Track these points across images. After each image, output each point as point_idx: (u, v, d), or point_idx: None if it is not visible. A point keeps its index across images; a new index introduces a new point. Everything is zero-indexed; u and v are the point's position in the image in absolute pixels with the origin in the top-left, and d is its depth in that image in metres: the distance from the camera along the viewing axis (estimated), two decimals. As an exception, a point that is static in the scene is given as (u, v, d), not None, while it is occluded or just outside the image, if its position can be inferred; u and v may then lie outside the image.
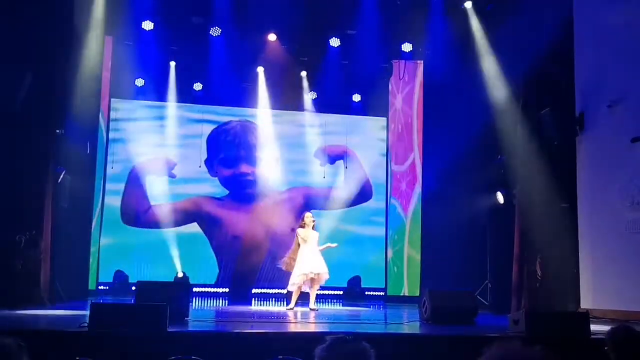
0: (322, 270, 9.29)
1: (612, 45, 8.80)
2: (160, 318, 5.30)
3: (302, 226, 9.47)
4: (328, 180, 13.47)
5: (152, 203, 12.85)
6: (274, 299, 12.00)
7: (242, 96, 13.19)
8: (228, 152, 13.42)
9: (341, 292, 12.81)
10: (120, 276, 12.33)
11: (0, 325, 5.73)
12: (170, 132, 13.11)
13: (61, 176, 9.49)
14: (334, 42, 12.23)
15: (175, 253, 12.73)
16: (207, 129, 13.36)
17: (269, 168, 13.31)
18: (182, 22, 11.78)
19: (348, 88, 13.31)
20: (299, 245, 9.38)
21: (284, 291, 11.18)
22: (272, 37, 12.16)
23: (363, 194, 13.56)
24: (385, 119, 13.69)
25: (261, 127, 13.45)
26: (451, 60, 11.36)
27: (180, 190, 13.08)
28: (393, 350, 5.23)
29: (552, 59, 9.46)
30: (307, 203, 13.09)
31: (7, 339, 2.06)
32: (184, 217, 13.05)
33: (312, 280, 9.29)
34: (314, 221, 9.55)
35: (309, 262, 9.23)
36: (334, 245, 9.76)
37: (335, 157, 13.62)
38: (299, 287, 9.31)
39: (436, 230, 12.17)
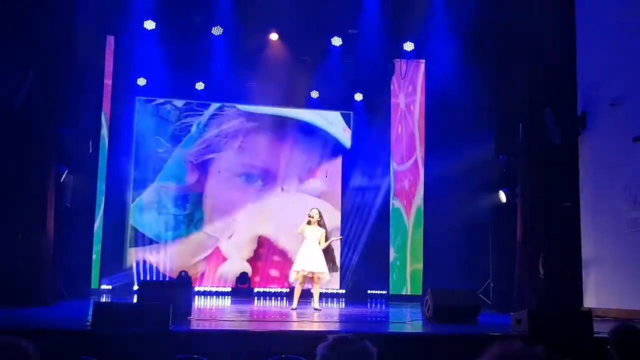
0: (317, 270, 8.98)
1: (615, 44, 8.77)
2: (163, 317, 5.31)
3: (309, 222, 9.29)
4: (329, 179, 13.46)
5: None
6: (276, 298, 12.00)
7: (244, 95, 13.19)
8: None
9: (344, 292, 12.79)
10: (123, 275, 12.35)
11: (2, 324, 5.73)
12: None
13: (64, 175, 9.51)
14: (336, 41, 12.21)
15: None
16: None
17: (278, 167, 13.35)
18: (184, 22, 11.77)
19: (350, 87, 13.29)
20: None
21: (287, 290, 11.15)
22: (274, 36, 12.15)
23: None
24: (387, 118, 13.66)
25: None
26: (453, 60, 11.33)
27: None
28: (395, 349, 5.23)
29: (555, 58, 9.44)
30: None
31: (23, 341, 2.02)
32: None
33: (310, 279, 9.12)
34: (312, 217, 9.19)
35: (302, 260, 9.04)
36: (339, 237, 9.58)
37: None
38: (300, 285, 9.14)
39: (439, 229, 12.15)
